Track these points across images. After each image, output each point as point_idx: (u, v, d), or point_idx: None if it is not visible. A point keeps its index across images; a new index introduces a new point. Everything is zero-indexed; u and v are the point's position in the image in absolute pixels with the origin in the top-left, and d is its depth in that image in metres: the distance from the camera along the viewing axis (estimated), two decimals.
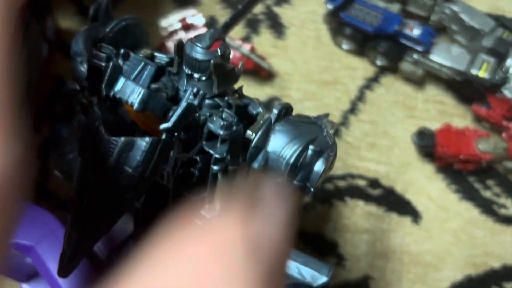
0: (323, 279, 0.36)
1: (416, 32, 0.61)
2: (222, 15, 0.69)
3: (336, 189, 0.61)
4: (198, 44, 0.31)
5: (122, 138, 0.29)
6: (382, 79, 0.67)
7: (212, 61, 0.30)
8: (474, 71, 0.58)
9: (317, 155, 0.31)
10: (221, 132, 0.30)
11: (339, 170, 0.62)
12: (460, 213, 0.60)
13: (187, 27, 0.63)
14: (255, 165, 0.32)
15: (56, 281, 0.43)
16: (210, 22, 0.68)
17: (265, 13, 0.70)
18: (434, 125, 0.62)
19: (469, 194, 0.61)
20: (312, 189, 0.32)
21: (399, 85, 0.67)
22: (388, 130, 0.64)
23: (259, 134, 0.31)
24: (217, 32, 0.32)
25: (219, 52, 0.31)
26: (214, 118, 0.30)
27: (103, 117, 0.30)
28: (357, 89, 0.66)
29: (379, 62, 0.65)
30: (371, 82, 0.66)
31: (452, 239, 0.59)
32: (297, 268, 0.36)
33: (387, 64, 0.65)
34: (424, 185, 0.62)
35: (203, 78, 0.32)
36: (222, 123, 0.30)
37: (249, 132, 0.32)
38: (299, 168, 0.31)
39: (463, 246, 0.59)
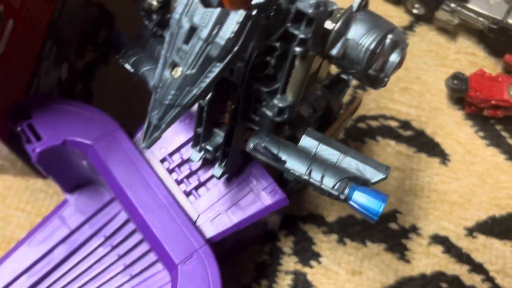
0: (381, 176, 0.38)
1: None
2: None
3: (369, 129, 0.63)
4: None
5: (218, 9, 0.30)
6: (416, 28, 0.69)
7: None
8: (511, 20, 0.60)
9: (394, 45, 0.33)
10: (310, 11, 0.31)
11: (372, 111, 0.64)
12: (486, 158, 0.63)
13: None
14: (334, 51, 0.33)
15: (114, 178, 0.45)
16: None
17: None
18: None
19: (496, 141, 0.63)
20: (386, 79, 0.34)
21: (433, 35, 0.68)
22: (420, 76, 0.66)
23: (342, 19, 0.32)
24: None
25: None
26: None
27: None
28: None
29: (415, 11, 0.67)
30: (406, 31, 0.68)
31: (478, 182, 0.61)
32: (356, 165, 0.38)
33: (424, 12, 0.66)
34: (453, 129, 0.64)
35: None
36: (311, 2, 0.31)
37: (328, 22, 0.33)
38: (377, 56, 0.33)
39: (488, 189, 0.61)
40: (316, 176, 0.37)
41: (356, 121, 0.63)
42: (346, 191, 0.37)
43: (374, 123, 0.64)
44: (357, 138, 0.63)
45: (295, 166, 0.38)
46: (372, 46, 0.33)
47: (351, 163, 0.38)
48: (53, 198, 0.58)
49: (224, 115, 0.44)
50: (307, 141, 0.39)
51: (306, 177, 0.37)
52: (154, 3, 0.43)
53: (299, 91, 0.36)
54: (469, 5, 0.62)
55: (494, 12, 0.61)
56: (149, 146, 0.33)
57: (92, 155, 0.45)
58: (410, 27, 0.68)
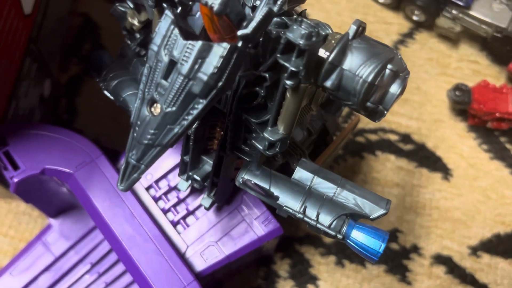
0: (381, 211, 0.35)
1: None
2: None
3: (368, 143, 0.60)
4: None
5: (200, 42, 0.27)
6: (416, 36, 0.65)
7: None
8: None
9: (394, 76, 0.30)
10: (301, 42, 0.28)
11: (371, 124, 0.61)
12: (490, 172, 0.60)
13: None
14: (328, 83, 0.30)
15: (96, 209, 0.42)
16: None
17: None
18: (468, 84, 0.61)
19: (500, 154, 0.61)
20: (385, 112, 0.31)
21: (434, 43, 0.65)
22: (421, 86, 0.63)
23: (336, 49, 0.29)
24: None
25: None
26: (295, 27, 0.29)
27: (176, 21, 0.29)
28: (391, 45, 0.64)
29: (415, 17, 0.64)
30: (406, 38, 0.65)
31: (481, 198, 0.59)
32: (354, 200, 0.35)
33: (424, 19, 0.63)
34: (456, 142, 0.61)
35: None
36: (302, 32, 0.28)
37: (322, 51, 0.31)
38: (376, 88, 0.30)
39: (493, 205, 0.58)
40: (311, 214, 0.34)
41: (354, 135, 0.61)
42: (344, 229, 0.34)
43: (373, 137, 0.61)
44: (356, 153, 0.60)
45: (289, 202, 0.35)
46: (370, 78, 0.30)
47: (348, 198, 0.35)
48: (37, 221, 0.56)
49: (213, 142, 0.41)
50: (301, 174, 0.36)
51: (300, 215, 0.34)
52: (136, 23, 0.40)
53: (291, 123, 0.33)
54: (472, 12, 0.59)
55: (498, 19, 0.58)
56: (127, 189, 0.31)
57: (72, 184, 0.43)
58: (409, 34, 0.65)
